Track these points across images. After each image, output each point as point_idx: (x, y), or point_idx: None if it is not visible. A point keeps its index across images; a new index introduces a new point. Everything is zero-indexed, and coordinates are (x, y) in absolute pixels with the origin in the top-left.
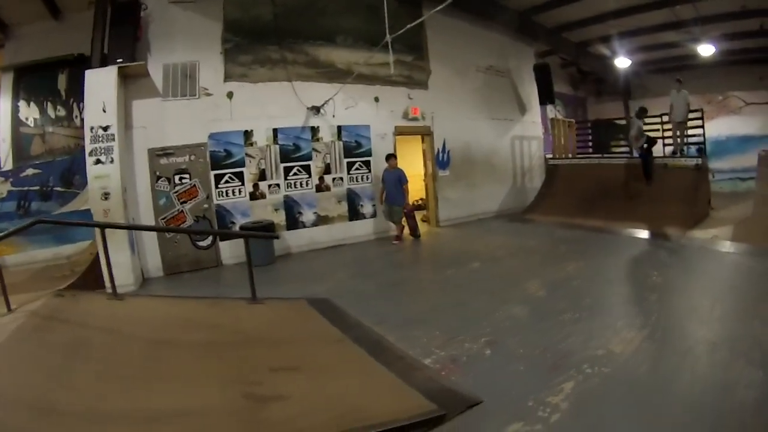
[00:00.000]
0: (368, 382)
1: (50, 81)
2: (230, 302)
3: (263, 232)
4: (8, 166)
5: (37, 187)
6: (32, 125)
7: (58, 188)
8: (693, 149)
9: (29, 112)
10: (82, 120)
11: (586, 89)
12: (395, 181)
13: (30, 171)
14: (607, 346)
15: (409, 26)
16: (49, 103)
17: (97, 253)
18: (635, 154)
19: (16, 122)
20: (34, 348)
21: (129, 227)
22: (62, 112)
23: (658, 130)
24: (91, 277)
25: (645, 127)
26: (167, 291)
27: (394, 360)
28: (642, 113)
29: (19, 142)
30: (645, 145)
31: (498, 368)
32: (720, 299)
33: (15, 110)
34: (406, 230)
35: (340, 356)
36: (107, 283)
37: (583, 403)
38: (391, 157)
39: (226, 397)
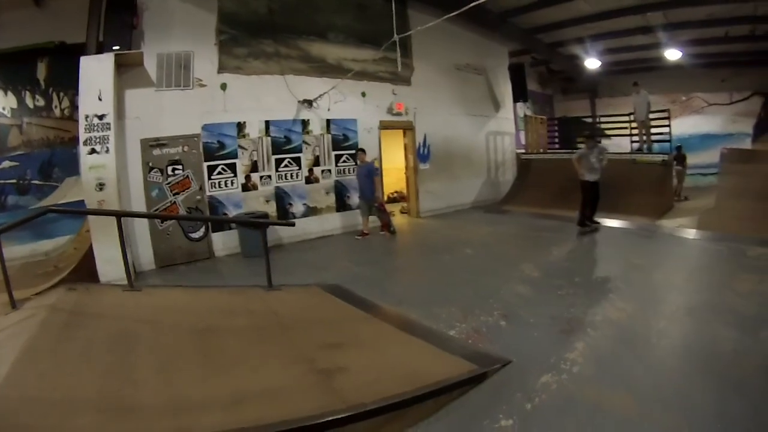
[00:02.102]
0: (411, 352)
1: (28, 70)
2: (250, 290)
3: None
4: None
5: (13, 181)
6: (9, 116)
7: (36, 181)
8: (664, 146)
9: (6, 102)
10: (62, 110)
11: (553, 87)
12: (365, 175)
13: (6, 163)
14: (605, 313)
15: (419, 28)
16: (27, 93)
17: (90, 247)
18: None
19: None
20: (74, 344)
21: (146, 215)
22: (41, 103)
23: (626, 128)
24: (83, 272)
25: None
26: (173, 283)
27: (425, 333)
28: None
29: None
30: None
31: (516, 335)
32: (693, 275)
33: None
34: (376, 226)
35: (376, 332)
36: (102, 277)
37: (596, 357)
38: (360, 151)
39: (295, 374)
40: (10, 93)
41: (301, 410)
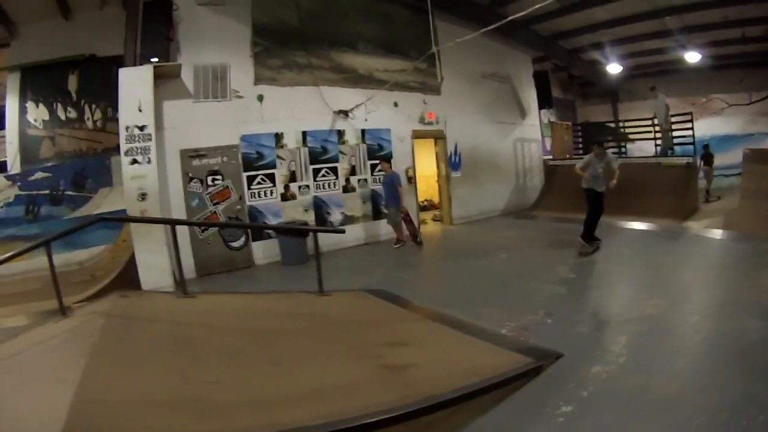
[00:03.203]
0: (468, 348)
1: (60, 81)
2: (301, 295)
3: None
4: (16, 169)
5: (46, 191)
6: (41, 127)
7: (70, 192)
8: (686, 149)
9: (38, 114)
10: (95, 122)
11: (574, 92)
12: (389, 184)
13: (39, 174)
14: (641, 310)
15: (459, 40)
16: (58, 105)
17: (132, 255)
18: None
19: (24, 124)
20: (139, 349)
21: (198, 224)
22: (73, 114)
23: (650, 132)
24: (124, 280)
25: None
26: (216, 290)
27: (477, 331)
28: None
29: (27, 144)
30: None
31: (561, 331)
32: (720, 273)
33: (22, 111)
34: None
35: (430, 331)
36: (144, 285)
37: (638, 348)
38: (383, 161)
39: (366, 370)
40: (41, 105)
41: (380, 403)
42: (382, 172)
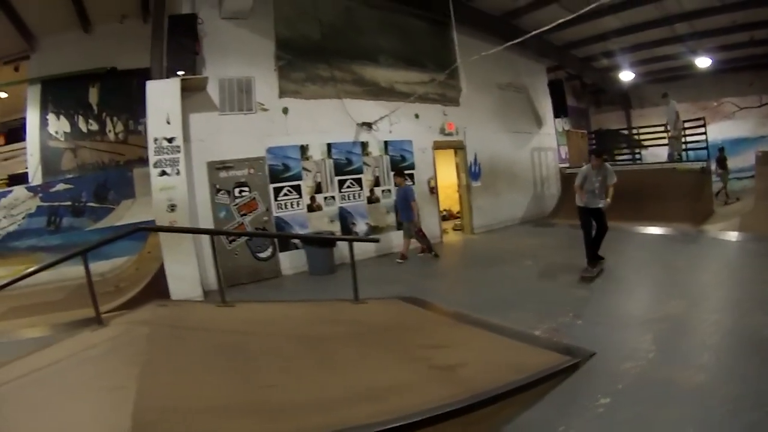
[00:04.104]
0: (507, 349)
1: (81, 94)
2: (337, 303)
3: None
4: (37, 180)
5: (68, 203)
6: (62, 139)
7: (92, 204)
8: (700, 154)
9: (59, 126)
10: (116, 134)
11: (587, 100)
12: (402, 198)
13: (61, 186)
14: (663, 310)
15: (484, 53)
16: (80, 117)
17: (161, 266)
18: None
19: (45, 136)
20: (189, 356)
21: (237, 233)
22: (95, 127)
23: (664, 138)
24: (153, 290)
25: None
26: (245, 299)
27: (512, 333)
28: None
29: (48, 156)
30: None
31: (591, 331)
32: (736, 273)
33: (43, 124)
34: (412, 247)
35: (468, 334)
36: (173, 295)
37: (664, 345)
38: (396, 175)
39: (417, 370)
40: (62, 117)
41: (436, 399)
42: (407, 183)
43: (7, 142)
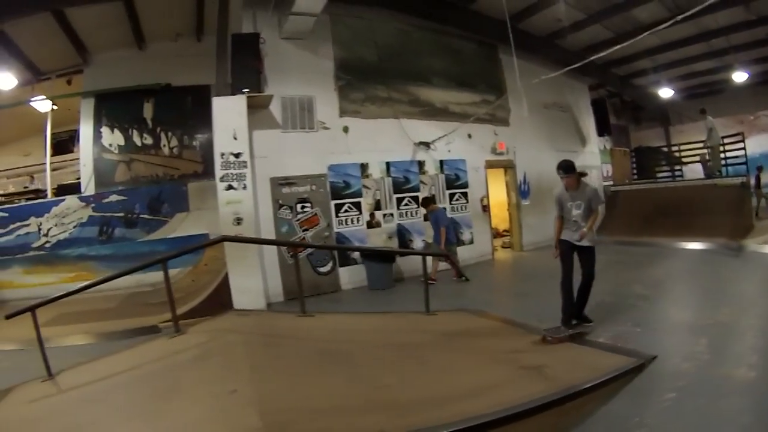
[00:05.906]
0: (579, 353)
1: (135, 109)
2: (410, 314)
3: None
4: (90, 191)
5: (121, 214)
6: (116, 152)
7: (145, 215)
8: (738, 169)
9: (113, 139)
10: (171, 149)
11: (627, 117)
12: (434, 222)
13: (113, 197)
14: (714, 317)
15: (544, 77)
16: (134, 131)
17: (224, 277)
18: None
19: (99, 148)
20: (289, 361)
21: (320, 247)
22: (149, 141)
23: (705, 153)
24: (215, 302)
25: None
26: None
27: (581, 340)
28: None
29: (101, 167)
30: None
31: (650, 337)
32: None
33: (97, 136)
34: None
35: (539, 340)
36: (236, 306)
37: (717, 348)
38: (427, 200)
39: (508, 370)
40: (116, 130)
41: (530, 394)
42: (461, 201)
43: (55, 154)
